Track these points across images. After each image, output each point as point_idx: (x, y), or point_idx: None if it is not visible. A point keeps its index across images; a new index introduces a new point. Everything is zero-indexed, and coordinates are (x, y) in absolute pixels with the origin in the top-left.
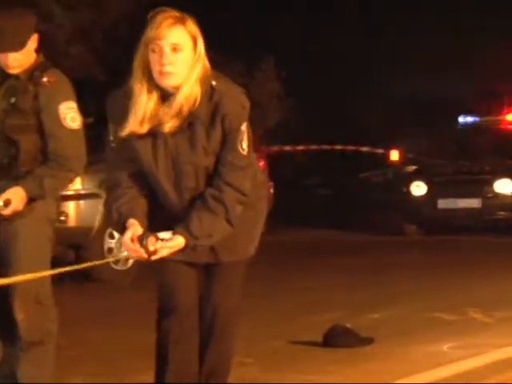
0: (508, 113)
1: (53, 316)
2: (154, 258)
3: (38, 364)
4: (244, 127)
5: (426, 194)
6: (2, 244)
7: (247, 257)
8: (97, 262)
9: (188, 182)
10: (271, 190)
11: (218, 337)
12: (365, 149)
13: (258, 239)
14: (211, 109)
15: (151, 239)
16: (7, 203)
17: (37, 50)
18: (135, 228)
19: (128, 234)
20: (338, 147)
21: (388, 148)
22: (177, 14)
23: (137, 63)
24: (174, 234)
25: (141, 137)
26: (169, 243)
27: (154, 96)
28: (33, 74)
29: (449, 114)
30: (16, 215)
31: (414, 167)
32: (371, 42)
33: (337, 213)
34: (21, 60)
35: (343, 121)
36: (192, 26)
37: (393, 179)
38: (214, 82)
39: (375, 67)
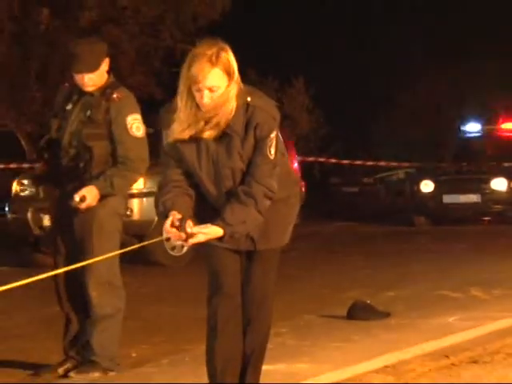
0: (503, 122)
1: (121, 294)
2: (191, 241)
3: (108, 334)
4: (273, 135)
5: (433, 190)
6: (78, 233)
7: (281, 245)
8: (149, 241)
9: (226, 182)
10: (303, 189)
11: (255, 315)
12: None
13: (290, 230)
14: (246, 121)
15: (189, 223)
16: (83, 199)
17: (108, 72)
18: (175, 215)
19: (169, 220)
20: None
21: None
22: (213, 50)
23: (182, 85)
24: (212, 224)
25: (186, 142)
26: (205, 229)
27: (195, 110)
28: (105, 91)
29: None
30: (90, 209)
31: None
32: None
33: (357, 207)
34: (95, 80)
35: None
36: (226, 61)
37: (404, 178)
38: (249, 98)
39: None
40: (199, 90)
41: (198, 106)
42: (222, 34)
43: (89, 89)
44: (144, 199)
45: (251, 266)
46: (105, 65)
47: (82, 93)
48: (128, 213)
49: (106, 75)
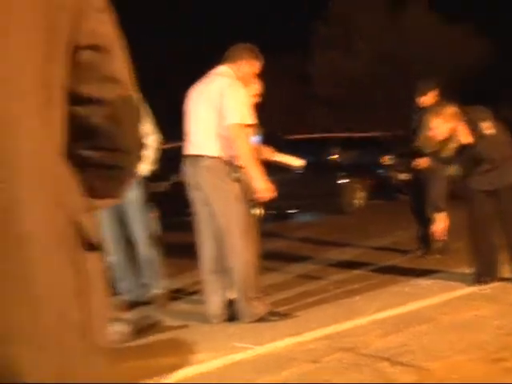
0: None
1: None
2: None
3: None
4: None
5: None
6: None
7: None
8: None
9: None
10: None
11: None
12: None
13: None
14: None
15: None
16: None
17: (436, 95)
18: None
19: None
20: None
21: None
22: None
23: None
24: None
25: None
26: None
27: None
28: (434, 107)
29: None
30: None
31: None
32: None
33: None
34: (426, 101)
35: None
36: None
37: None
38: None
39: None
40: None
41: None
42: None
43: (423, 105)
44: None
45: (502, 196)
46: (434, 91)
47: (421, 108)
48: None
49: (435, 97)
